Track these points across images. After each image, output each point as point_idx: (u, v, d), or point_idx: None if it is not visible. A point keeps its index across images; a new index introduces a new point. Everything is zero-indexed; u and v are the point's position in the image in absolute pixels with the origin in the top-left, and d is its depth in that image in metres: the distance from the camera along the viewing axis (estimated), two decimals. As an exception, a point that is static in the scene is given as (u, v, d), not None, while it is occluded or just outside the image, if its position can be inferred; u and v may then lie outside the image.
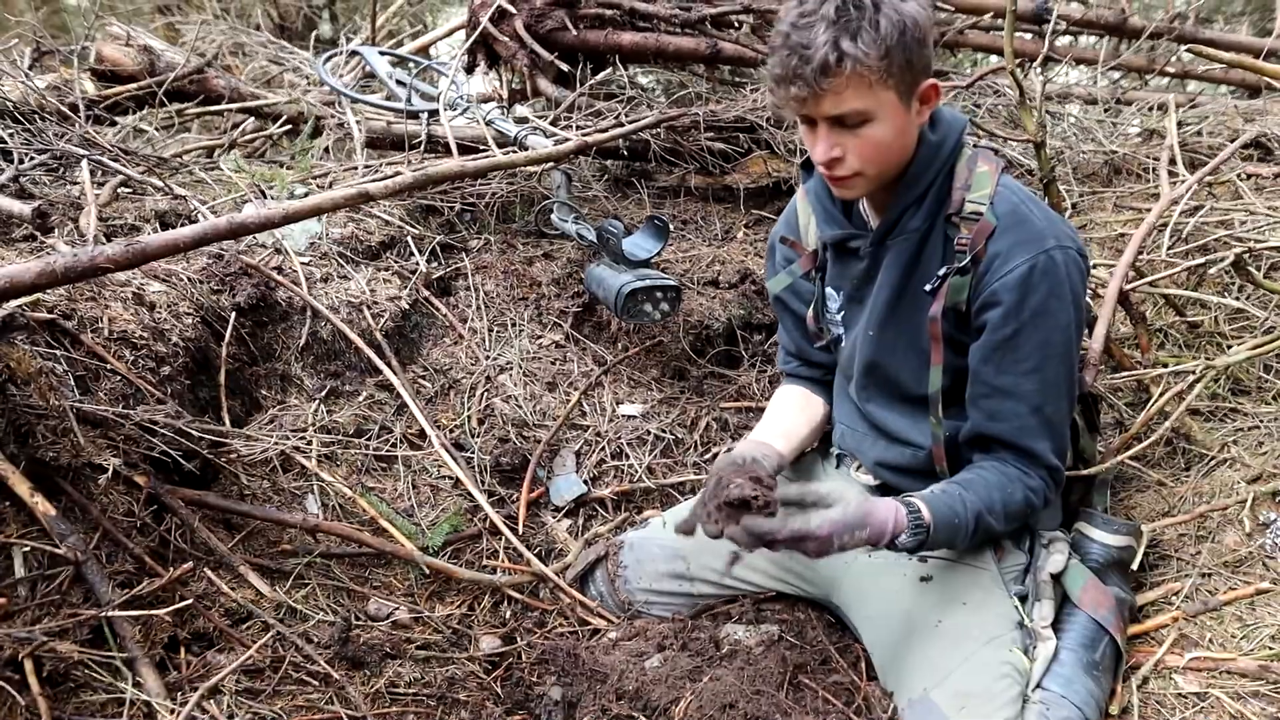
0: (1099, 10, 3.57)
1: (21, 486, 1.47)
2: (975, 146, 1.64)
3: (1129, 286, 2.16)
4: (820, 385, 1.98)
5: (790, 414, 1.92)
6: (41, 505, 1.47)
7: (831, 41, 1.38)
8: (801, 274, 1.85)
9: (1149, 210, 2.47)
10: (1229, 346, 2.26)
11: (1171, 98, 2.95)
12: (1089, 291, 1.83)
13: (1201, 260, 2.14)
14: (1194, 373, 1.82)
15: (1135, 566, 1.81)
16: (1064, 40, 3.81)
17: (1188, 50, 2.85)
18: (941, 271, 1.57)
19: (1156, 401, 1.94)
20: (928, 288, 1.59)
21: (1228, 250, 2.07)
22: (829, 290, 1.80)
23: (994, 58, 3.92)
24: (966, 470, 1.63)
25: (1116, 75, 3.85)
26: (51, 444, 1.52)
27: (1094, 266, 2.41)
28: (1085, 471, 1.82)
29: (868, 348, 1.72)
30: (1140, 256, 2.24)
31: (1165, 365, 2.06)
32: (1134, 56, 3.54)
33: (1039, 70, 2.52)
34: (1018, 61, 1.87)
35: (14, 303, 1.54)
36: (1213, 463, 2.03)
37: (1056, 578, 1.69)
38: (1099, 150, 2.89)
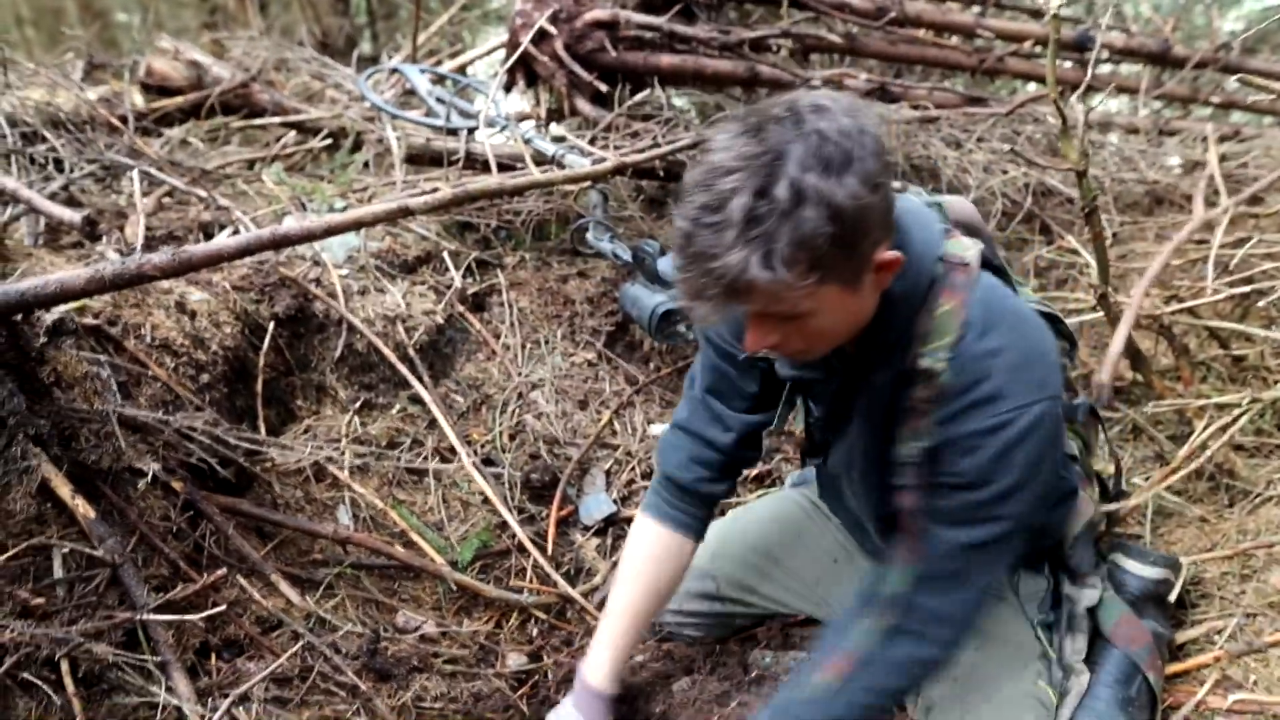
0: (1142, 39, 3.55)
1: (64, 488, 1.49)
2: (944, 260, 1.31)
3: (1169, 310, 2.14)
4: (698, 522, 1.64)
5: (644, 594, 1.61)
6: (82, 507, 1.49)
7: (741, 264, 1.08)
8: (785, 398, 1.55)
9: (1192, 240, 2.44)
10: (1275, 382, 2.22)
11: (1210, 127, 2.91)
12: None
13: (1246, 289, 2.10)
14: (1240, 405, 1.79)
15: (1174, 600, 1.77)
16: (1105, 68, 3.78)
17: (1237, 80, 2.80)
18: (907, 458, 1.32)
19: (1200, 435, 1.91)
20: (900, 481, 1.35)
21: (1274, 282, 2.03)
22: (811, 404, 1.59)
23: (1032, 85, 3.90)
24: (802, 674, 1.43)
25: (1158, 105, 3.81)
26: (94, 447, 1.54)
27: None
28: (1128, 503, 1.79)
29: (853, 484, 1.57)
30: (1181, 284, 2.21)
31: (1209, 398, 2.02)
32: (1177, 86, 3.51)
33: (1080, 98, 2.50)
34: (1059, 90, 1.85)
35: (63, 307, 1.57)
36: (1258, 499, 1.99)
37: (1090, 611, 1.65)
38: (1140, 180, 2.86)
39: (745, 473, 2.25)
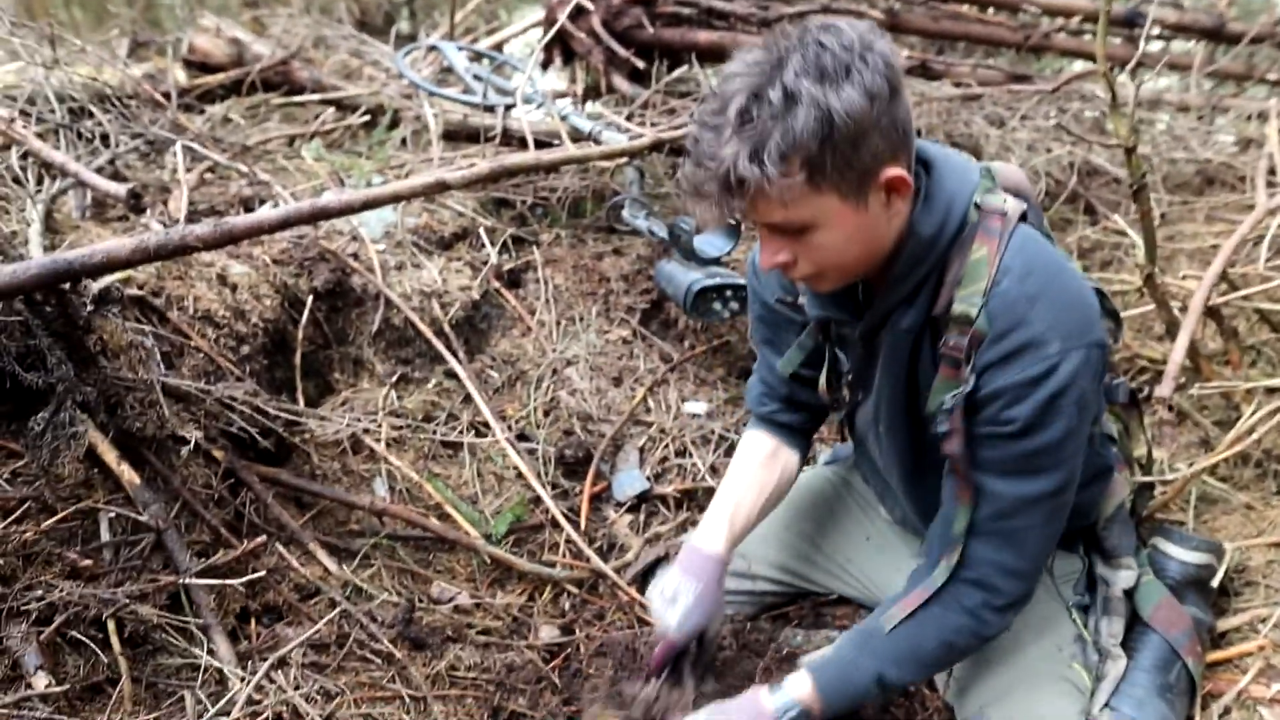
0: (1195, 14, 3.44)
1: (110, 454, 1.52)
2: (977, 208, 1.30)
3: (1220, 300, 2.08)
4: (797, 433, 1.71)
5: (748, 492, 1.65)
6: (127, 473, 1.52)
7: (732, 158, 1.13)
8: (812, 346, 1.56)
9: (1243, 222, 2.37)
10: (1328, 366, 2.16)
11: (1274, 104, 2.82)
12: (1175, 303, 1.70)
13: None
14: (1290, 391, 1.74)
15: (1216, 587, 1.74)
16: (1156, 45, 3.68)
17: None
18: (948, 406, 1.31)
19: (1248, 420, 1.86)
20: (942, 429, 1.33)
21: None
22: (839, 353, 1.55)
23: (1079, 63, 3.80)
24: (881, 607, 1.46)
25: (1210, 84, 3.70)
26: (138, 415, 1.57)
27: (1182, 278, 2.32)
28: (1170, 488, 1.76)
29: (879, 439, 1.56)
30: (1233, 269, 2.15)
31: (1258, 382, 1.97)
32: (1231, 63, 3.40)
33: (1130, 76, 2.43)
34: (1108, 66, 1.80)
35: (110, 277, 1.60)
36: (1307, 487, 1.94)
37: (1128, 594, 1.63)
38: (1191, 159, 2.78)
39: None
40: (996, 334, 1.26)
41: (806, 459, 1.78)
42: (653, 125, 2.91)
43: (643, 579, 2.01)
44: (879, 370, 1.45)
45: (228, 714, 1.30)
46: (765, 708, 1.40)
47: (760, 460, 1.68)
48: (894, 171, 1.20)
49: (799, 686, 1.42)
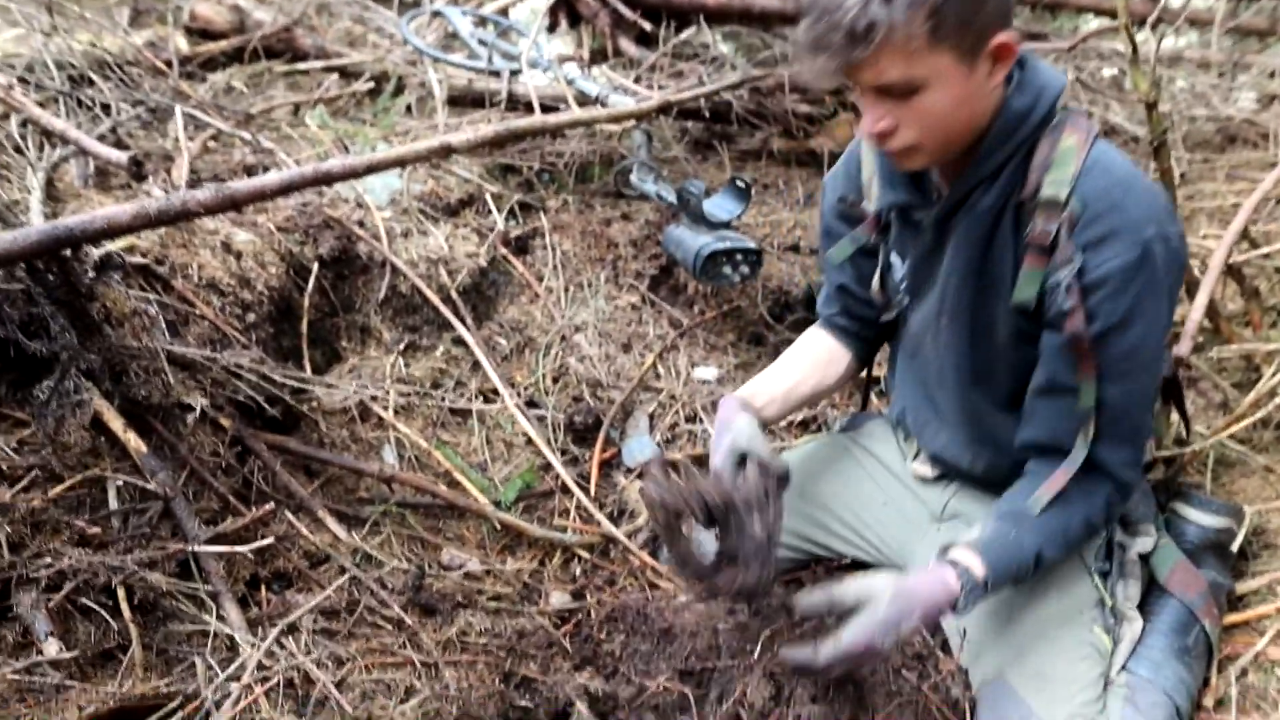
0: (1216, -32, 3.35)
1: (116, 422, 1.51)
2: (1065, 109, 1.36)
3: (1241, 258, 2.04)
4: (856, 340, 1.78)
5: (801, 368, 1.74)
6: (134, 441, 1.51)
7: (861, 5, 1.16)
8: (865, 240, 1.62)
9: (1265, 180, 2.31)
10: (1351, 326, 2.12)
11: (1297, 58, 2.75)
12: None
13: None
14: (1313, 350, 1.70)
15: (1235, 551, 1.71)
16: (1177, 1, 3.59)
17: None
18: (1065, 283, 1.32)
19: (1268, 381, 1.83)
20: (1015, 300, 1.37)
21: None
22: (894, 258, 1.60)
23: (1095, 21, 3.72)
24: (1019, 492, 1.46)
25: (1230, 42, 3.61)
26: (144, 383, 1.56)
27: (1202, 237, 2.28)
28: (1188, 449, 1.73)
29: (937, 335, 1.55)
30: (1255, 227, 2.11)
31: (1279, 343, 1.93)
32: (1254, 18, 3.32)
33: (1151, 30, 2.37)
34: (1125, 20, 1.75)
35: (112, 244, 1.58)
36: (1328, 449, 1.91)
37: (1144, 558, 1.61)
38: (1212, 117, 2.72)
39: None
40: (1092, 216, 1.29)
41: (862, 370, 1.86)
42: (660, 88, 2.87)
43: (654, 543, 2.00)
44: (947, 258, 1.46)
45: (238, 679, 1.30)
46: (951, 584, 1.37)
47: (815, 349, 1.77)
48: (1004, 37, 1.24)
49: (972, 562, 1.39)
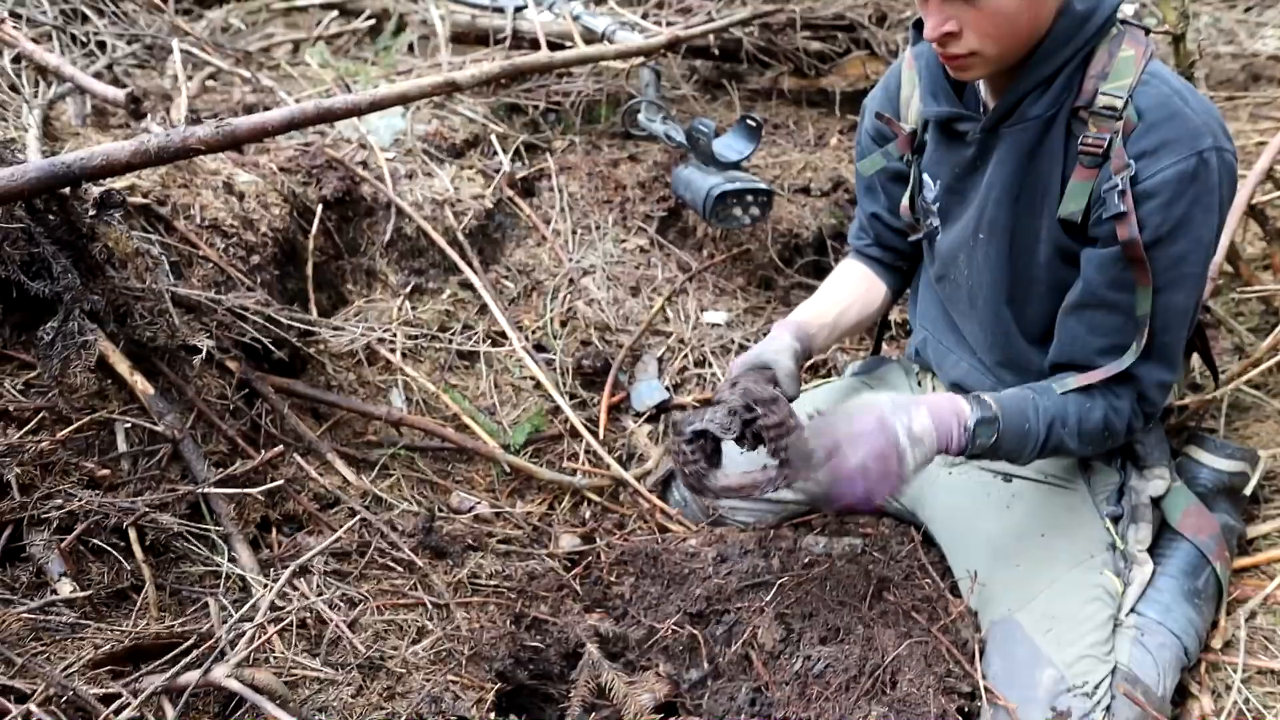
0: (1246, -103, 3.22)
1: (122, 365, 1.49)
2: (1123, 23, 1.35)
3: (1264, 199, 1.99)
4: (889, 270, 1.81)
5: (844, 294, 1.75)
6: (141, 384, 1.50)
7: None
8: (897, 157, 1.62)
9: (1290, 118, 2.26)
10: (1373, 269, 2.08)
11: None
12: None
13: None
14: (1336, 293, 1.67)
15: (1248, 495, 1.71)
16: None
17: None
18: (1121, 188, 1.30)
19: (1288, 324, 1.80)
20: (1061, 212, 1.37)
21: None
22: (925, 177, 1.59)
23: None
24: (1048, 381, 1.45)
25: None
26: (148, 324, 1.54)
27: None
28: (1203, 396, 1.71)
29: (972, 253, 1.53)
30: (1277, 167, 2.05)
31: (1300, 286, 1.90)
32: (1282, -50, 3.20)
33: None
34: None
35: (111, 182, 1.55)
36: (1345, 393, 1.89)
37: (1156, 501, 1.60)
38: (1238, 54, 2.64)
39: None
40: (1149, 123, 1.29)
41: (896, 300, 1.87)
42: (669, 24, 2.79)
43: (663, 487, 2.00)
44: (989, 172, 1.45)
45: (251, 619, 1.31)
46: (962, 405, 1.38)
47: (853, 278, 1.79)
48: None
49: (988, 399, 1.40)
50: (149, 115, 2.12)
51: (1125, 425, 1.44)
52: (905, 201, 1.65)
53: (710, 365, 2.28)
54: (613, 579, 1.77)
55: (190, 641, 1.26)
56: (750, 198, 2.27)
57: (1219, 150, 1.28)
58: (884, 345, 2.17)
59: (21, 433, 1.37)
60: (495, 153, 2.60)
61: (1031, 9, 1.27)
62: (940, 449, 1.37)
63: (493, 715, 1.39)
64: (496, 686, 1.45)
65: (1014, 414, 1.39)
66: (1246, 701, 1.46)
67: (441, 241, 2.31)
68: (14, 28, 2.14)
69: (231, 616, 1.31)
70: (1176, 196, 1.28)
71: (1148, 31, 1.36)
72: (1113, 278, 1.36)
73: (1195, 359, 1.78)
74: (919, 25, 1.40)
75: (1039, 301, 1.50)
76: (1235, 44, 2.71)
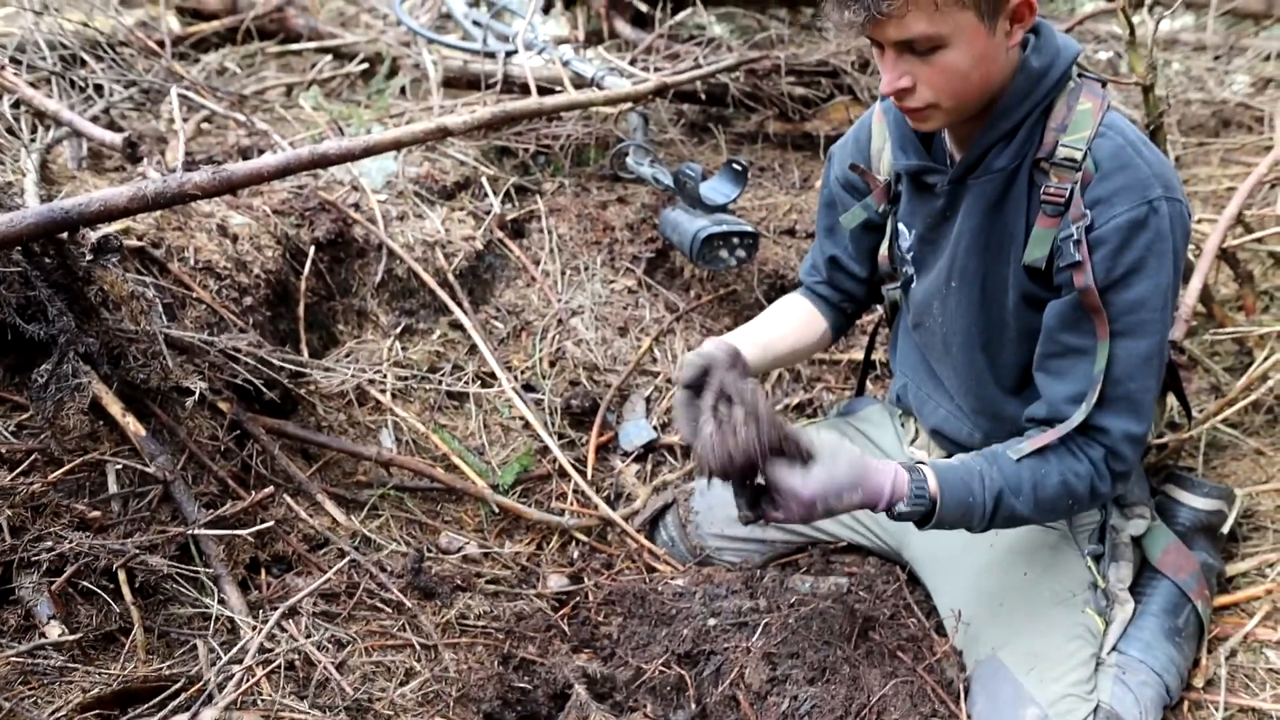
0: (1213, -49, 3.34)
1: (114, 406, 1.51)
2: (1080, 77, 1.41)
3: (1235, 243, 2.05)
4: (834, 310, 1.83)
5: (782, 325, 1.77)
6: (133, 425, 1.51)
7: None
8: (875, 209, 1.64)
9: (1260, 164, 2.32)
10: (1343, 311, 2.13)
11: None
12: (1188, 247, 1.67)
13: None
14: (1306, 335, 1.72)
15: (1226, 533, 1.74)
16: (1173, -17, 3.58)
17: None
18: (1075, 237, 1.33)
19: (1261, 365, 1.84)
20: (1025, 261, 1.41)
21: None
22: (901, 227, 1.62)
23: (1091, 4, 3.71)
24: (1008, 443, 1.44)
25: (1225, 25, 3.61)
26: (142, 366, 1.56)
27: (1197, 222, 2.28)
28: (1181, 435, 1.75)
29: (945, 300, 1.55)
30: (1249, 211, 2.11)
31: (1272, 327, 1.95)
32: (1250, 1, 3.31)
33: (1149, 12, 2.36)
34: (1123, 2, 1.75)
35: (108, 227, 1.58)
36: (1318, 432, 1.93)
37: (1137, 540, 1.62)
38: (1207, 100, 2.72)
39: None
40: (1105, 173, 1.33)
41: (835, 341, 1.90)
42: (656, 70, 2.85)
43: (651, 526, 2.01)
44: (959, 221, 1.49)
45: (240, 661, 1.31)
46: (901, 484, 1.37)
47: (794, 310, 1.82)
48: None
49: (930, 477, 1.39)
50: (145, 159, 2.15)
51: (1088, 489, 1.41)
52: (884, 250, 1.69)
53: (697, 405, 2.30)
54: (600, 619, 1.78)
55: (179, 684, 1.27)
56: (736, 240, 2.31)
57: (1169, 199, 1.32)
58: (868, 385, 2.20)
59: (13, 475, 1.38)
60: (486, 195, 2.64)
61: (984, 65, 1.31)
62: (865, 507, 1.38)
63: (480, 757, 1.39)
64: (484, 728, 1.45)
65: (956, 494, 1.38)
66: (1228, 740, 1.48)
67: (432, 282, 2.34)
68: (14, 74, 2.18)
69: (220, 659, 1.31)
70: (1126, 243, 1.32)
71: (1104, 84, 1.42)
72: (1071, 324, 1.38)
73: (1171, 398, 1.82)
74: None
75: (1011, 348, 1.52)
76: (1205, 91, 2.79)
